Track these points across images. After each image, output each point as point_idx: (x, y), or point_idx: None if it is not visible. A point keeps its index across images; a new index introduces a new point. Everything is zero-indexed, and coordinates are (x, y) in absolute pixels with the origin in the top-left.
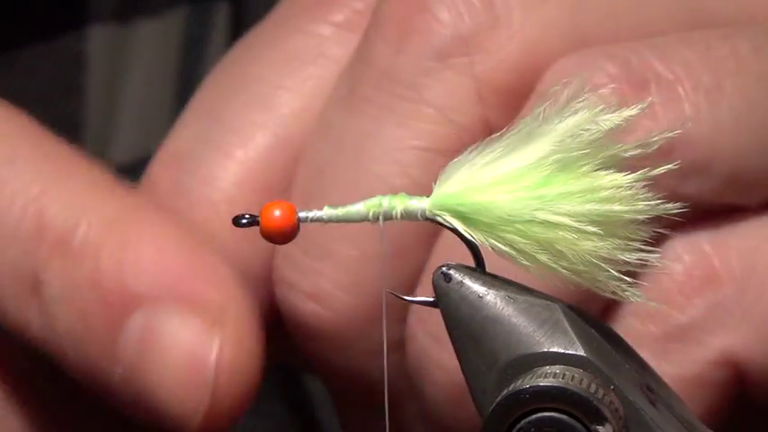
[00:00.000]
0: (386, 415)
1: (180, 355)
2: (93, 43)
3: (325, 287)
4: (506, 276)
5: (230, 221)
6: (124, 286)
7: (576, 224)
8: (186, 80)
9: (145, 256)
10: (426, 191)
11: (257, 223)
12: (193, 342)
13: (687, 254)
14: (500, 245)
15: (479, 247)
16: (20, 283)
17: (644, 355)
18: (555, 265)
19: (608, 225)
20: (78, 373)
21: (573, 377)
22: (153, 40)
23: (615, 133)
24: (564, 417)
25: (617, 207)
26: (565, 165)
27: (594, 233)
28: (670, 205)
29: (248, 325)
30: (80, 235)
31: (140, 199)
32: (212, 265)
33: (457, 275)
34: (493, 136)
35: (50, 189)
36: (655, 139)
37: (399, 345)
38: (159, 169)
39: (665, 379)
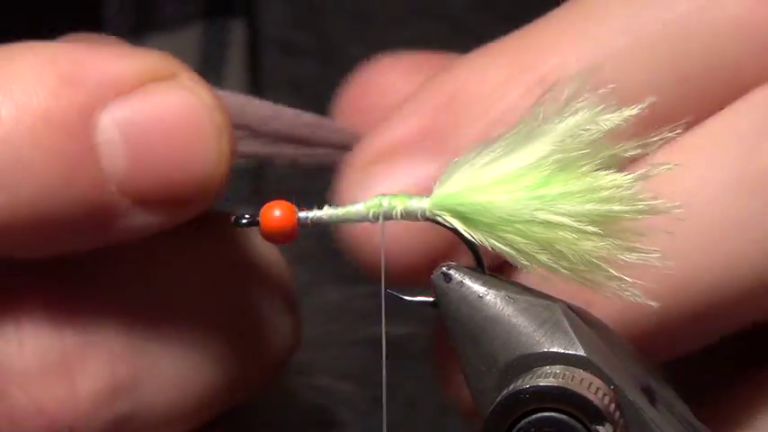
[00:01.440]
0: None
1: (175, 121)
2: None
3: None
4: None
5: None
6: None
7: (576, 224)
8: None
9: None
10: None
11: (257, 223)
12: (176, 103)
13: None
14: (500, 245)
15: (479, 247)
16: None
17: None
18: (555, 265)
19: (608, 225)
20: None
21: (573, 377)
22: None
23: (615, 133)
24: (564, 417)
25: (617, 207)
26: (565, 165)
27: (594, 233)
28: (670, 205)
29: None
30: None
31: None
32: (125, 50)
33: (457, 275)
34: (493, 136)
35: None
36: (655, 139)
37: None
38: None
39: None
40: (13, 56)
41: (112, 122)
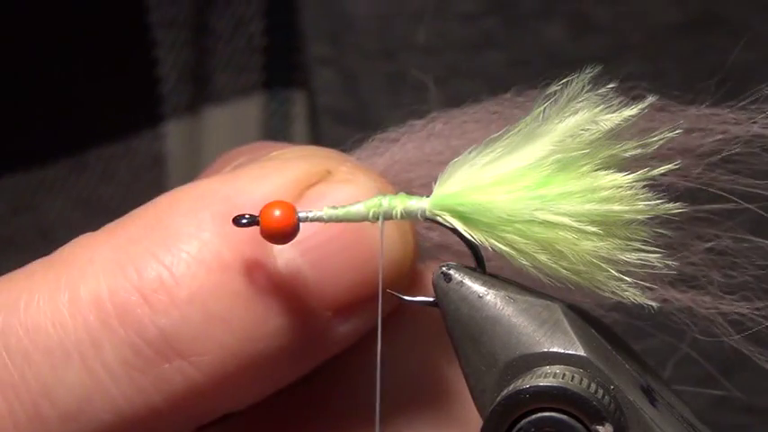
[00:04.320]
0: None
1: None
2: (171, 141)
3: None
4: (506, 276)
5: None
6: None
7: (576, 224)
8: None
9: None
10: None
11: (257, 223)
12: (341, 201)
13: None
14: (500, 245)
15: (479, 247)
16: None
17: None
18: (555, 265)
19: (608, 225)
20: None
21: (573, 377)
22: (224, 128)
23: (615, 133)
24: (564, 417)
25: (617, 207)
26: (565, 165)
27: (594, 233)
28: (670, 205)
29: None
30: None
31: None
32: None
33: (457, 275)
34: (493, 136)
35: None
36: (655, 139)
37: None
38: None
39: None
40: (163, 214)
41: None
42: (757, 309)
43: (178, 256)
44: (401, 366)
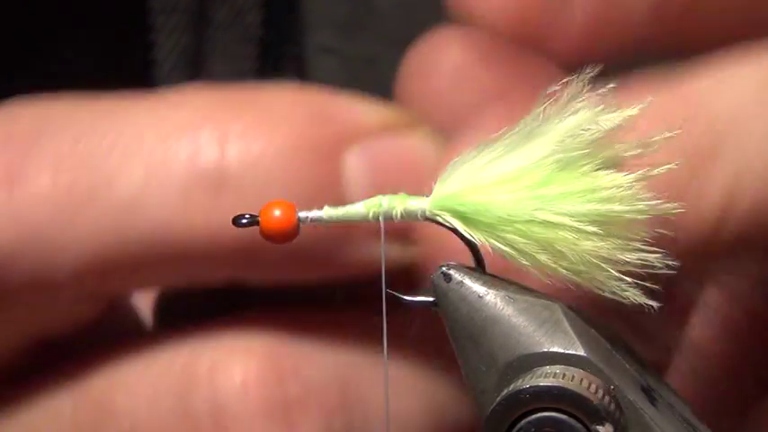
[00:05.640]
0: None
1: (412, 160)
2: None
3: None
4: (506, 276)
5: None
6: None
7: (576, 224)
8: None
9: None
10: None
11: (257, 223)
12: (416, 146)
13: None
14: (500, 245)
15: (479, 247)
16: None
17: None
18: (555, 265)
19: (608, 225)
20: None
21: (573, 377)
22: None
23: (615, 133)
24: (564, 417)
25: (617, 207)
26: (565, 165)
27: (594, 233)
28: (670, 205)
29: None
30: None
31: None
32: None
33: (457, 275)
34: (493, 136)
35: None
36: (655, 139)
37: None
38: None
39: None
40: (262, 96)
41: (360, 156)
42: None
43: (260, 129)
44: None
